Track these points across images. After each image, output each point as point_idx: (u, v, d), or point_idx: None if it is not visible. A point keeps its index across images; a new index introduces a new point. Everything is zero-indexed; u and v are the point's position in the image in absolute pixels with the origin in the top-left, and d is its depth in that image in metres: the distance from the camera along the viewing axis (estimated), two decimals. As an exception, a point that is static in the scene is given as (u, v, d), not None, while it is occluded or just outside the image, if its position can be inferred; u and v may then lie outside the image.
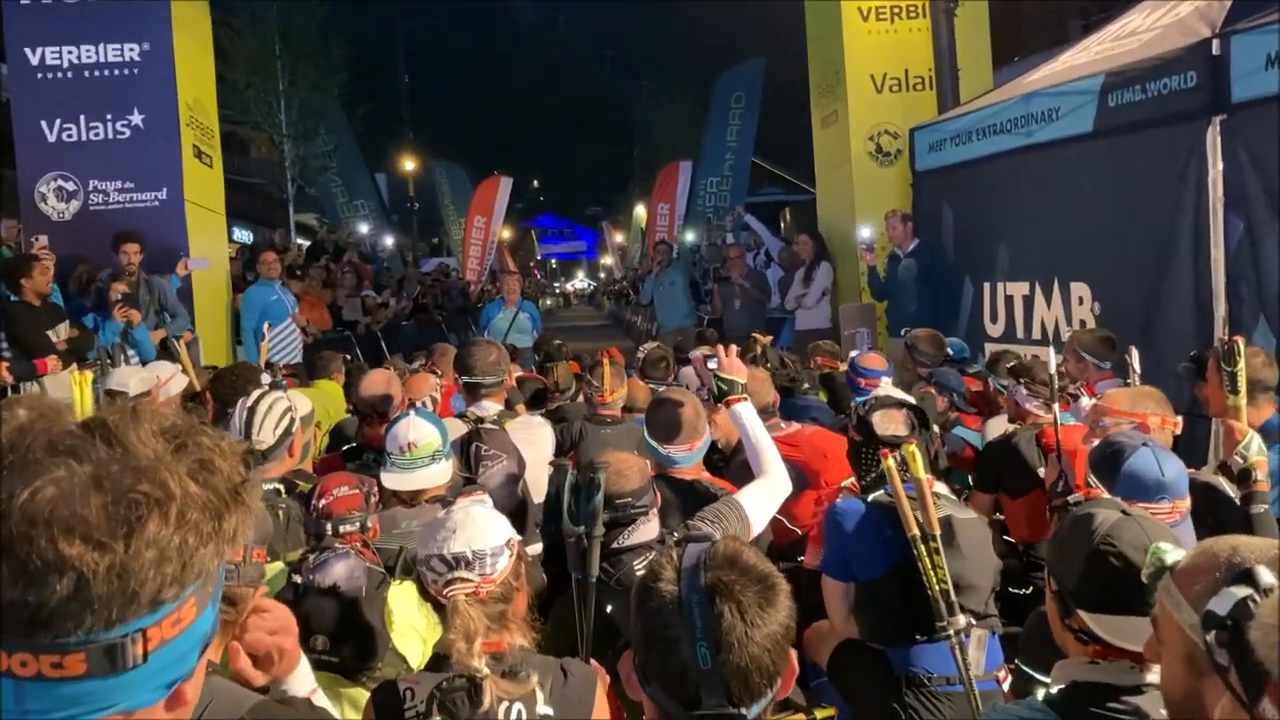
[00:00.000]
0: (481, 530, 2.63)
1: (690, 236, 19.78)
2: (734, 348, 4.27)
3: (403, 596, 3.27)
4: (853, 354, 6.99)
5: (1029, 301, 8.46)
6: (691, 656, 1.69)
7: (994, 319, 8.92)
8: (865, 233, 10.77)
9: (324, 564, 3.05)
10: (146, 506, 0.98)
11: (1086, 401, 5.25)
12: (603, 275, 42.25)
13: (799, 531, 4.90)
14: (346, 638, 2.95)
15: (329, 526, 3.37)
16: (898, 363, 7.62)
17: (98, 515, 0.96)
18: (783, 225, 22.46)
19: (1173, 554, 1.83)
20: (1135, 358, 5.34)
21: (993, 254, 8.95)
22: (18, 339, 7.91)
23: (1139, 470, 2.98)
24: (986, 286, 9.03)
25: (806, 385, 7.38)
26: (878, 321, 11.09)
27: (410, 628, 3.24)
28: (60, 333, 8.28)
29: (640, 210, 31.58)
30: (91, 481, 0.97)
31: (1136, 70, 7.07)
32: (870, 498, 3.69)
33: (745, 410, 4.03)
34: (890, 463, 3.30)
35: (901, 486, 3.24)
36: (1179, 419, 4.09)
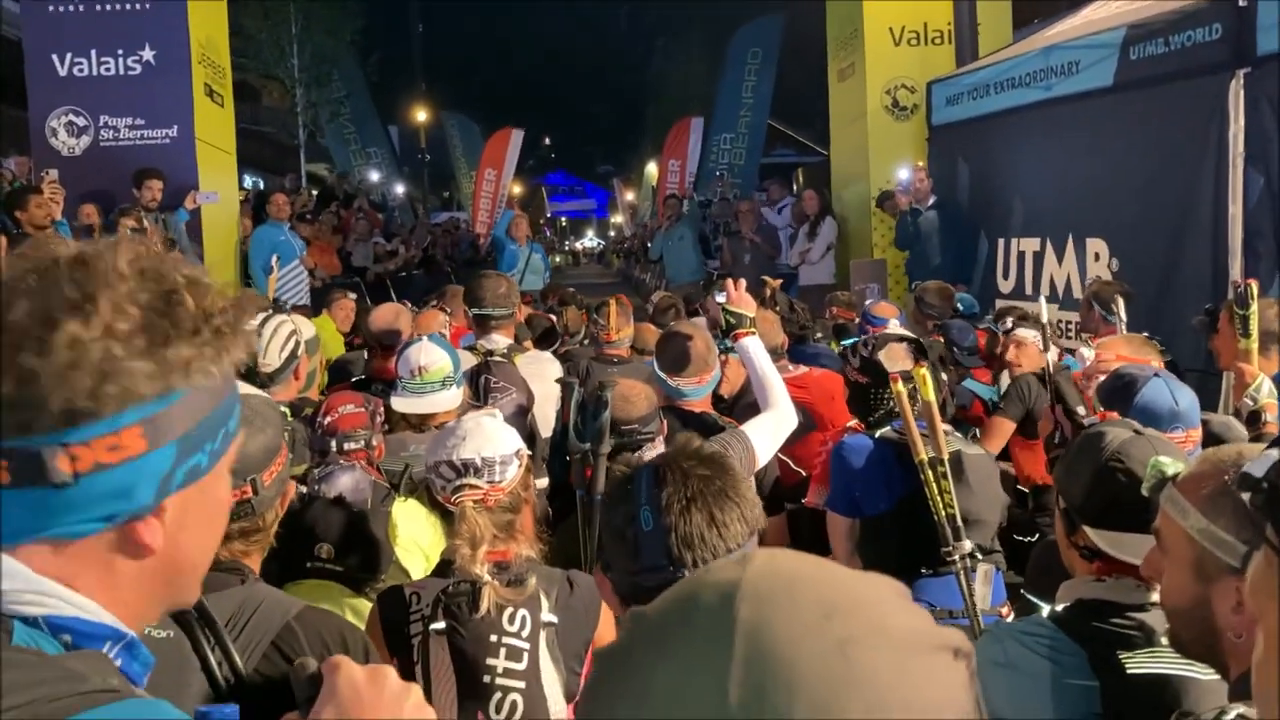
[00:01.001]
0: (491, 439, 2.63)
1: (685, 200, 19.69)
2: (743, 281, 4.24)
3: (407, 512, 3.27)
4: (866, 302, 6.97)
5: (1039, 258, 8.41)
6: (635, 521, 1.83)
7: (1005, 275, 8.88)
8: (904, 174, 10.64)
9: (329, 475, 3.05)
10: (66, 311, 0.96)
11: (1088, 352, 5.23)
12: (613, 234, 42.11)
13: (803, 473, 4.90)
14: (351, 548, 2.95)
15: (334, 443, 3.37)
16: (909, 315, 7.59)
17: (21, 318, 0.96)
18: (795, 186, 22.29)
19: (1173, 466, 1.82)
20: (1121, 306, 5.35)
21: (1007, 209, 8.90)
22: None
23: (1152, 400, 2.95)
24: (1001, 242, 8.98)
25: (820, 335, 7.36)
26: (888, 277, 11.05)
27: (414, 543, 3.24)
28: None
29: (652, 168, 31.42)
30: (30, 291, 0.97)
31: (1159, 22, 6.98)
32: (877, 434, 3.69)
33: (753, 344, 4.01)
34: (900, 386, 3.28)
35: (910, 411, 3.23)
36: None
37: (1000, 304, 8.26)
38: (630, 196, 36.42)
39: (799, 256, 12.28)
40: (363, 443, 3.41)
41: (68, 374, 0.96)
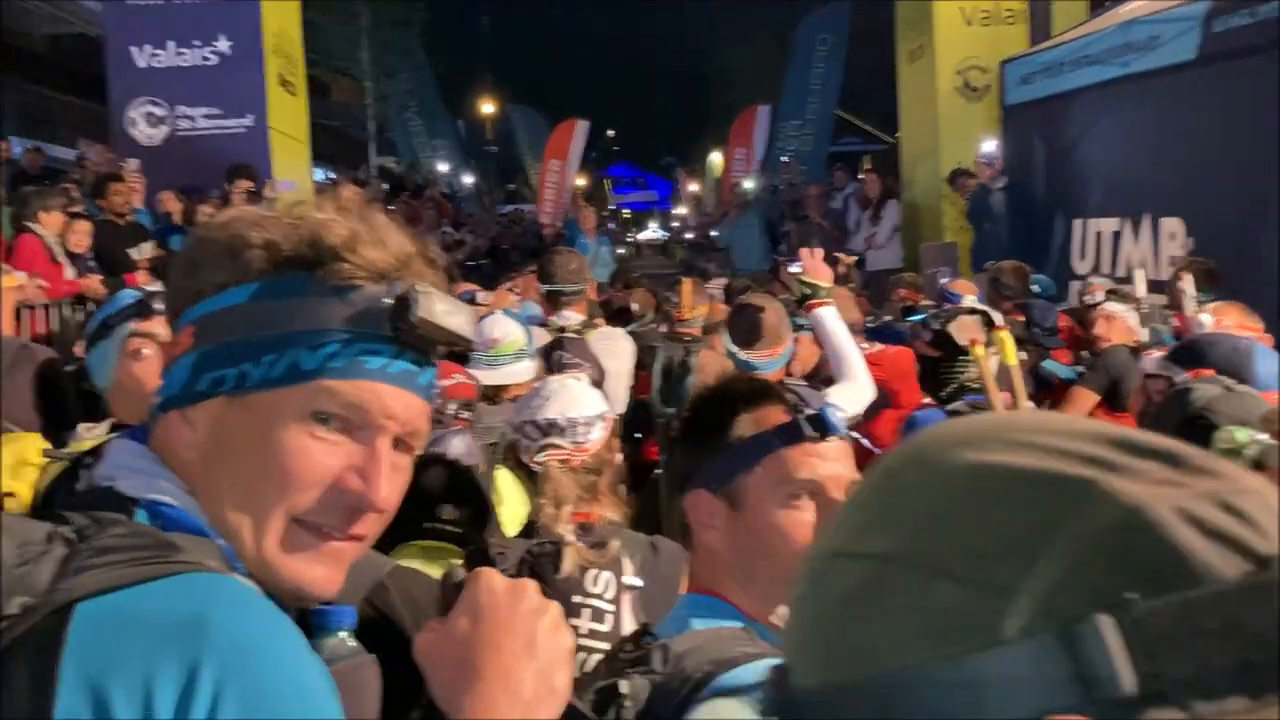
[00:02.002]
0: (576, 399, 2.64)
1: (751, 185, 19.57)
2: (819, 250, 4.19)
3: (503, 479, 3.28)
4: (941, 280, 6.87)
5: (1117, 237, 8.23)
6: None
7: (1082, 255, 8.71)
8: (989, 146, 10.46)
9: (443, 438, 3.07)
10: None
11: (1206, 319, 5.08)
12: (676, 225, 42.03)
13: (877, 452, 4.85)
14: (465, 509, 2.98)
15: (450, 407, 3.42)
16: (983, 296, 7.47)
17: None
18: (861, 175, 22.07)
19: (1242, 433, 1.77)
20: (1190, 284, 5.20)
21: (1084, 189, 8.73)
22: (100, 255, 8.12)
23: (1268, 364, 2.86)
24: (1077, 223, 8.81)
25: (888, 317, 7.28)
26: (959, 261, 10.89)
27: (509, 511, 3.25)
28: (143, 251, 8.48)
29: (716, 157, 31.32)
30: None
31: (1246, -8, 6.79)
32: (949, 408, 3.64)
33: (829, 314, 3.96)
34: (980, 350, 3.23)
35: (992, 375, 3.18)
36: None
37: (1076, 286, 8.11)
38: (694, 187, 36.32)
39: (865, 241, 12.15)
40: (467, 410, 3.46)
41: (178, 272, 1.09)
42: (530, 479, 2.68)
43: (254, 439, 1.02)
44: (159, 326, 2.43)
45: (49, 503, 1.08)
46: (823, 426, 1.57)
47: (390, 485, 1.05)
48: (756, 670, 1.35)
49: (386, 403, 1.04)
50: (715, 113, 37.73)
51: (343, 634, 1.10)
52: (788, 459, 1.55)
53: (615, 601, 2.50)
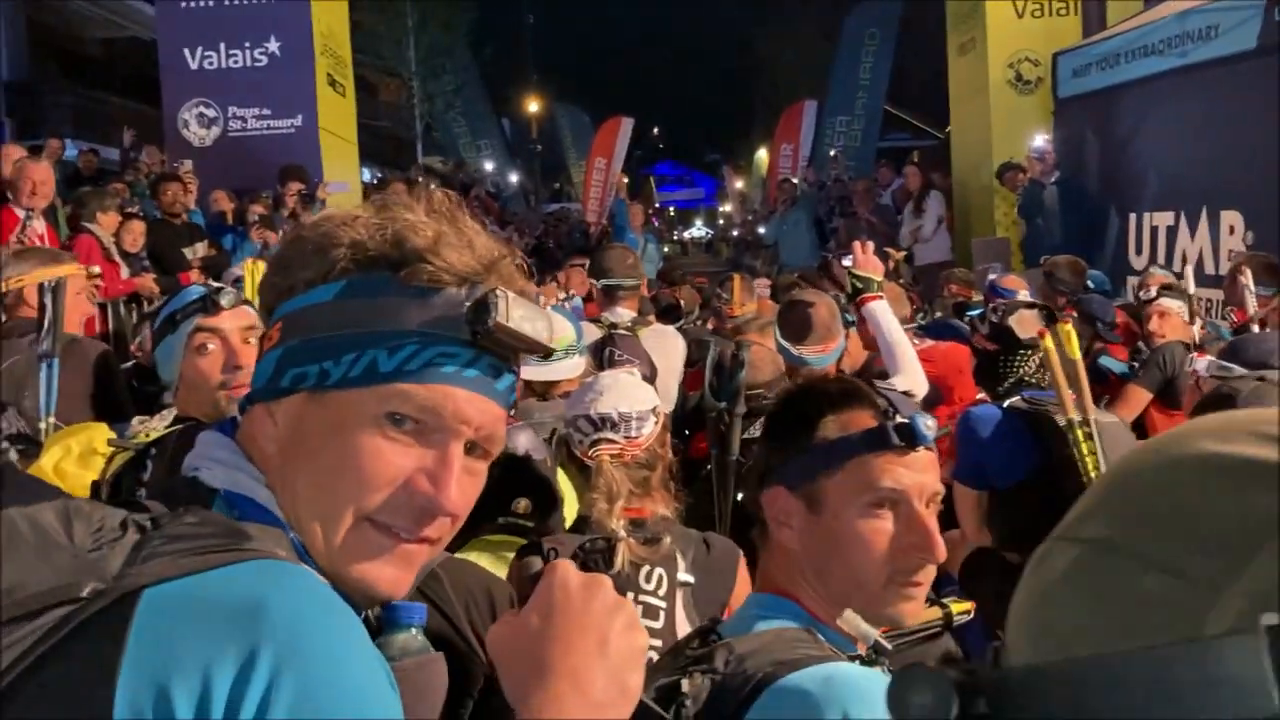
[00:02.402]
0: (628, 394, 2.62)
1: (799, 182, 19.44)
2: (870, 243, 4.14)
3: (560, 475, 3.26)
4: (990, 277, 6.78)
5: (1172, 232, 8.08)
6: None
7: (1139, 250, 8.56)
8: (1039, 140, 10.32)
9: (510, 432, 3.06)
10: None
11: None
12: (721, 222, 41.92)
13: (930, 448, 4.79)
14: (539, 504, 2.97)
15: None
16: (1037, 291, 7.36)
17: None
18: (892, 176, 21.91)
19: None
20: (1250, 278, 5.08)
21: (1140, 182, 8.58)
22: (154, 253, 8.24)
23: None
24: (1132, 217, 8.66)
25: (939, 314, 7.20)
26: (1011, 256, 10.76)
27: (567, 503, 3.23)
28: (197, 250, 8.59)
29: (762, 154, 31.17)
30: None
31: (1308, -21, 6.63)
32: (1006, 404, 3.58)
33: (880, 308, 3.91)
34: (1049, 341, 3.16)
35: (1059, 366, 3.11)
36: None
37: (1133, 282, 7.97)
38: (739, 184, 36.22)
39: (911, 235, 12.02)
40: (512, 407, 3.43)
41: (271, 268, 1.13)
42: (582, 474, 2.66)
43: (329, 437, 1.03)
44: (225, 321, 2.46)
45: (117, 490, 1.09)
46: (911, 436, 1.53)
47: (461, 490, 1.05)
48: (811, 675, 1.33)
49: (461, 407, 1.04)
50: (761, 109, 37.60)
51: (413, 630, 1.10)
52: (872, 466, 1.52)
53: (668, 598, 2.48)
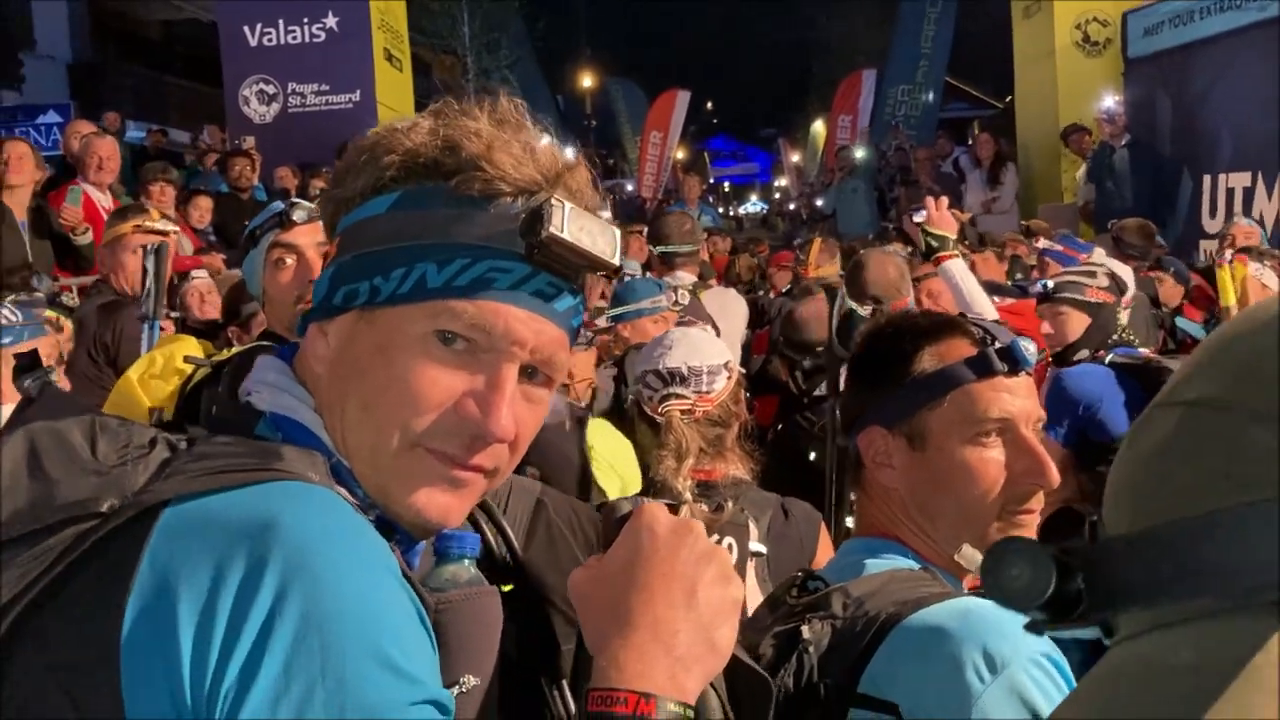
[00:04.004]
0: (699, 348, 2.56)
1: (859, 153, 19.17)
2: (944, 199, 4.04)
3: (600, 431, 3.22)
4: (1059, 233, 6.65)
5: (1249, 193, 7.84)
6: None
7: (1212, 213, 8.33)
8: (1109, 102, 10.07)
9: None
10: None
11: None
12: (777, 196, 41.66)
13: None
14: (553, 469, 2.94)
15: None
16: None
17: None
18: (971, 140, 21.54)
19: None
20: None
21: (1214, 143, 8.34)
22: (221, 229, 8.34)
23: None
24: (1206, 179, 8.42)
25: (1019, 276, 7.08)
26: (1079, 223, 10.53)
27: (608, 462, 3.19)
28: (264, 226, 8.67)
29: (818, 126, 30.85)
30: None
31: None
32: (1108, 359, 3.57)
33: (956, 266, 3.82)
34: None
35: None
36: None
37: (1206, 246, 7.77)
38: (795, 158, 35.93)
39: (982, 206, 11.81)
40: None
41: (331, 181, 1.06)
42: (654, 433, 2.60)
43: (377, 357, 0.97)
44: (300, 237, 2.46)
45: (190, 404, 1.07)
46: (1014, 360, 1.47)
47: (513, 416, 0.98)
48: (944, 611, 1.28)
49: (513, 326, 0.97)
50: (817, 81, 37.20)
51: (465, 561, 1.04)
52: (976, 394, 1.46)
53: (739, 569, 2.42)
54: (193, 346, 2.53)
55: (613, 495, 3.07)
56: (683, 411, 2.49)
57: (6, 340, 2.92)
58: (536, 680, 1.10)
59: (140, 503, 0.84)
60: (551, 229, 0.94)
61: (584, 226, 0.97)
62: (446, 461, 0.98)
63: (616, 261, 1.01)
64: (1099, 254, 4.93)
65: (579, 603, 1.00)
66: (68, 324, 3.39)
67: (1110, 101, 10.07)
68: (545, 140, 1.03)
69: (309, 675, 0.77)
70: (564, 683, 1.12)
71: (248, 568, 0.80)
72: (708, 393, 2.51)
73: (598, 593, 0.98)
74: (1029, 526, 1.47)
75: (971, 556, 1.42)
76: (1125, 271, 4.32)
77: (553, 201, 0.95)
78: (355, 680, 0.78)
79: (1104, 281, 3.87)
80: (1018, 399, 1.47)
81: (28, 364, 2.68)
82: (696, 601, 0.96)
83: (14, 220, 5.94)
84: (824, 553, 2.53)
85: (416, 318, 0.96)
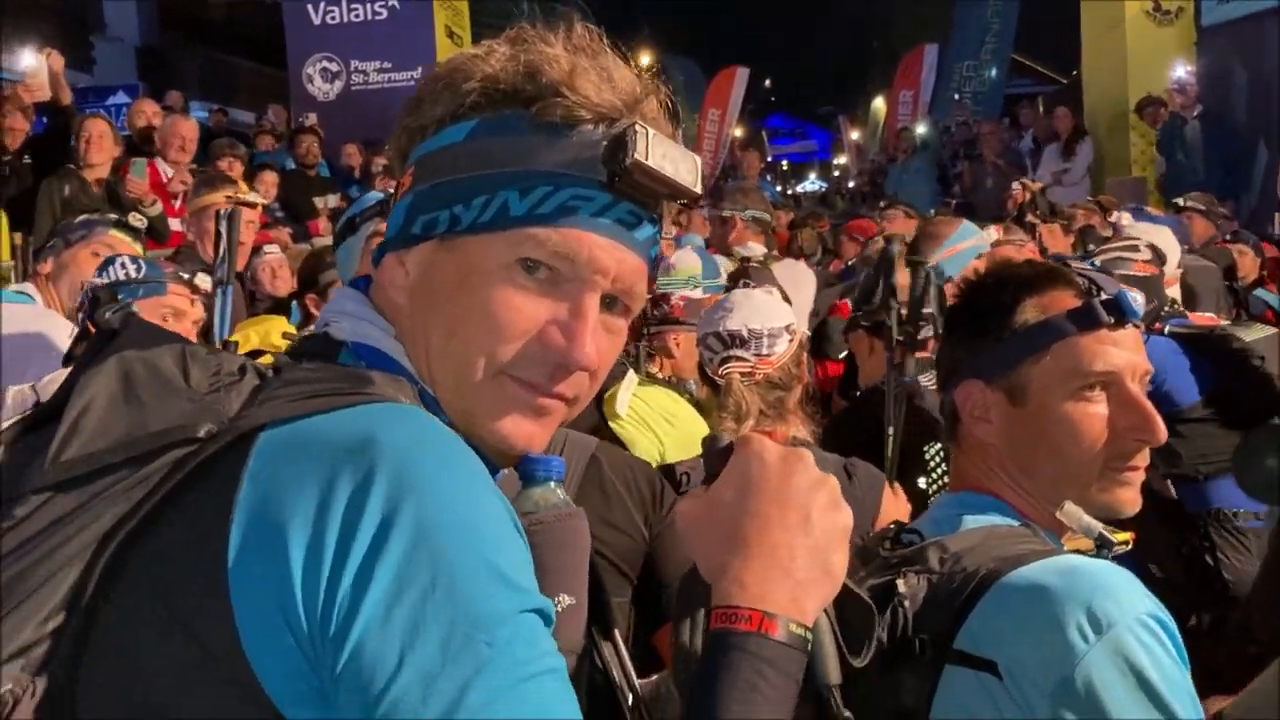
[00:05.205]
0: (760, 310, 2.55)
1: (921, 129, 18.87)
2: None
3: (642, 391, 3.16)
4: (1128, 206, 6.56)
5: (1331, 166, 7.64)
6: None
7: (1290, 185, 8.12)
8: (1181, 72, 9.86)
9: None
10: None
11: None
12: (836, 174, 41.30)
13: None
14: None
15: None
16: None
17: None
18: (1035, 115, 21.15)
19: None
20: None
21: (1291, 113, 8.12)
22: (287, 203, 8.46)
23: None
24: (1283, 150, 8.22)
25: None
26: (1149, 195, 10.33)
27: (643, 422, 3.12)
28: (329, 201, 8.78)
29: (879, 102, 30.49)
30: None
31: None
32: (1167, 330, 3.51)
33: None
34: None
35: None
36: None
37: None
38: (855, 135, 35.58)
39: (1053, 177, 11.62)
40: None
41: (404, 111, 1.04)
42: (717, 395, 2.60)
43: (460, 286, 0.97)
44: None
45: None
46: (1120, 311, 1.44)
47: (597, 344, 0.98)
48: (1047, 568, 1.26)
49: (596, 254, 0.97)
50: (877, 57, 36.74)
51: (551, 484, 1.06)
52: (1080, 347, 1.43)
53: None
54: (284, 324, 2.56)
55: (643, 452, 3.04)
56: (742, 374, 2.49)
57: (120, 296, 2.82)
58: (589, 631, 1.10)
59: (237, 428, 0.84)
60: (636, 155, 0.94)
61: (666, 153, 0.97)
62: (530, 390, 0.98)
63: (698, 189, 1.00)
64: (1137, 226, 4.85)
65: (689, 531, 1.00)
66: (197, 305, 3.30)
67: (1182, 72, 9.85)
68: (622, 67, 1.02)
69: (420, 585, 0.78)
70: (616, 634, 1.13)
71: (355, 484, 0.80)
72: (768, 355, 2.51)
73: (710, 521, 0.99)
74: (1133, 484, 1.45)
75: (1074, 514, 1.39)
76: (1169, 243, 4.29)
77: (636, 128, 0.95)
78: (465, 589, 0.79)
79: (1146, 254, 3.83)
80: (1124, 352, 1.44)
81: (107, 295, 2.65)
82: (811, 527, 0.97)
83: (93, 194, 6.07)
84: (887, 514, 2.53)
85: (499, 246, 0.96)
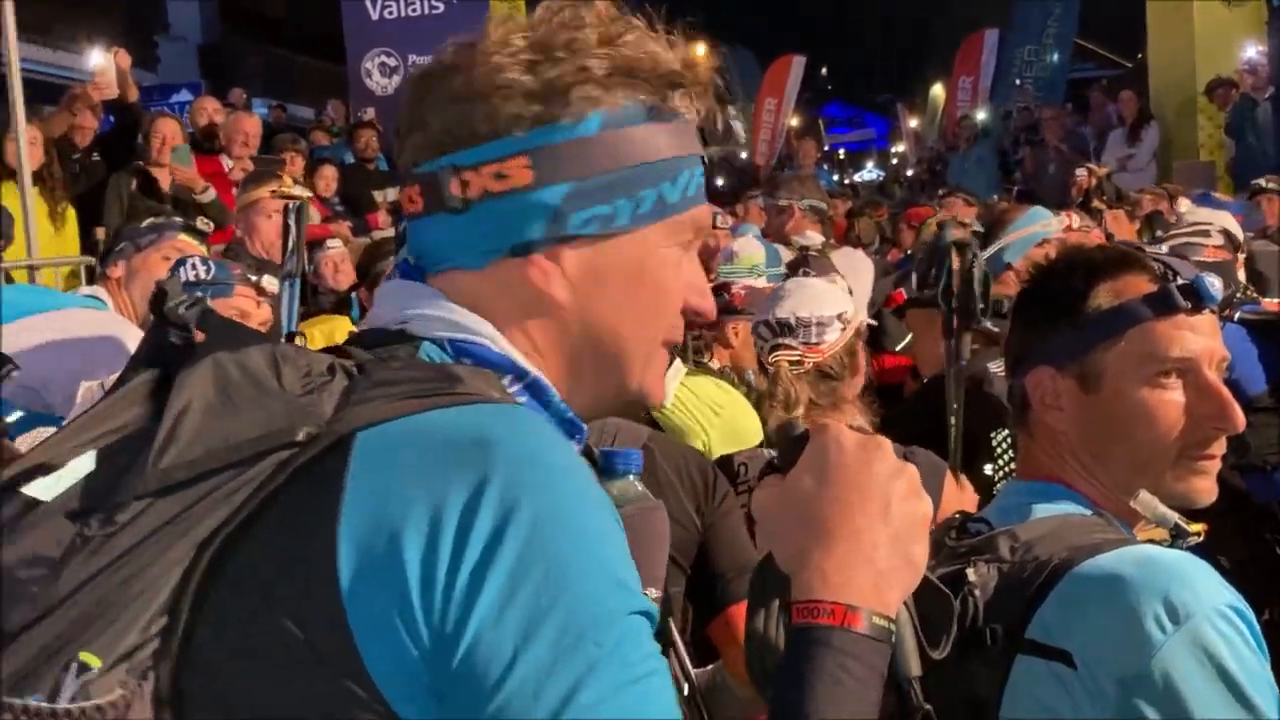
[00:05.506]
0: (811, 298, 2.55)
1: (982, 115, 18.59)
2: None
3: (691, 382, 3.12)
4: (1196, 193, 6.44)
5: None
6: None
7: (1366, 168, 7.89)
8: (1252, 52, 9.62)
9: None
10: (456, 49, 1.02)
11: None
12: (895, 162, 40.91)
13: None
14: None
15: None
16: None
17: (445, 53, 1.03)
18: (1097, 100, 20.78)
19: None
20: None
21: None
22: (346, 197, 8.57)
23: None
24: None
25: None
26: (1219, 180, 10.10)
27: (689, 414, 3.09)
28: (388, 195, 8.87)
29: (938, 89, 30.15)
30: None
31: None
32: (1237, 316, 3.44)
33: None
34: None
35: None
36: None
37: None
38: (914, 123, 35.22)
39: (1118, 163, 11.41)
40: None
41: (453, 100, 0.97)
42: (767, 377, 2.60)
43: (635, 278, 1.00)
44: None
45: None
46: (1197, 296, 1.41)
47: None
48: (1122, 557, 1.24)
49: (708, 218, 1.08)
50: (936, 43, 36.34)
51: (630, 477, 1.06)
52: (1156, 333, 1.40)
53: None
54: (349, 324, 2.58)
55: (690, 439, 3.00)
56: (791, 362, 2.48)
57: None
58: None
59: (335, 431, 0.85)
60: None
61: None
62: (668, 346, 1.05)
63: None
64: (1198, 212, 4.76)
65: (766, 520, 1.01)
66: (264, 307, 3.32)
67: (1253, 52, 9.62)
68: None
69: (534, 584, 0.79)
70: (672, 625, 1.13)
71: (469, 484, 0.81)
72: (817, 344, 2.50)
73: (788, 509, 0.99)
74: (1210, 473, 1.42)
75: (1149, 503, 1.37)
76: (1236, 226, 4.23)
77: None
78: (578, 589, 0.80)
79: (1219, 240, 3.75)
80: (1201, 338, 1.41)
81: (174, 288, 2.68)
82: (891, 515, 0.96)
83: (160, 192, 6.20)
84: (949, 503, 2.50)
85: (659, 233, 1.00)
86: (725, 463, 2.54)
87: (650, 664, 0.81)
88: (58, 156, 6.06)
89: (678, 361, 3.01)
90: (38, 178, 5.75)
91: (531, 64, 0.97)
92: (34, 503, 0.84)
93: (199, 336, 0.93)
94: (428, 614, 0.79)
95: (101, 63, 7.16)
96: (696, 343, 3.67)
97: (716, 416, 2.90)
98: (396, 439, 0.84)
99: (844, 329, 2.55)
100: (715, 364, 3.59)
